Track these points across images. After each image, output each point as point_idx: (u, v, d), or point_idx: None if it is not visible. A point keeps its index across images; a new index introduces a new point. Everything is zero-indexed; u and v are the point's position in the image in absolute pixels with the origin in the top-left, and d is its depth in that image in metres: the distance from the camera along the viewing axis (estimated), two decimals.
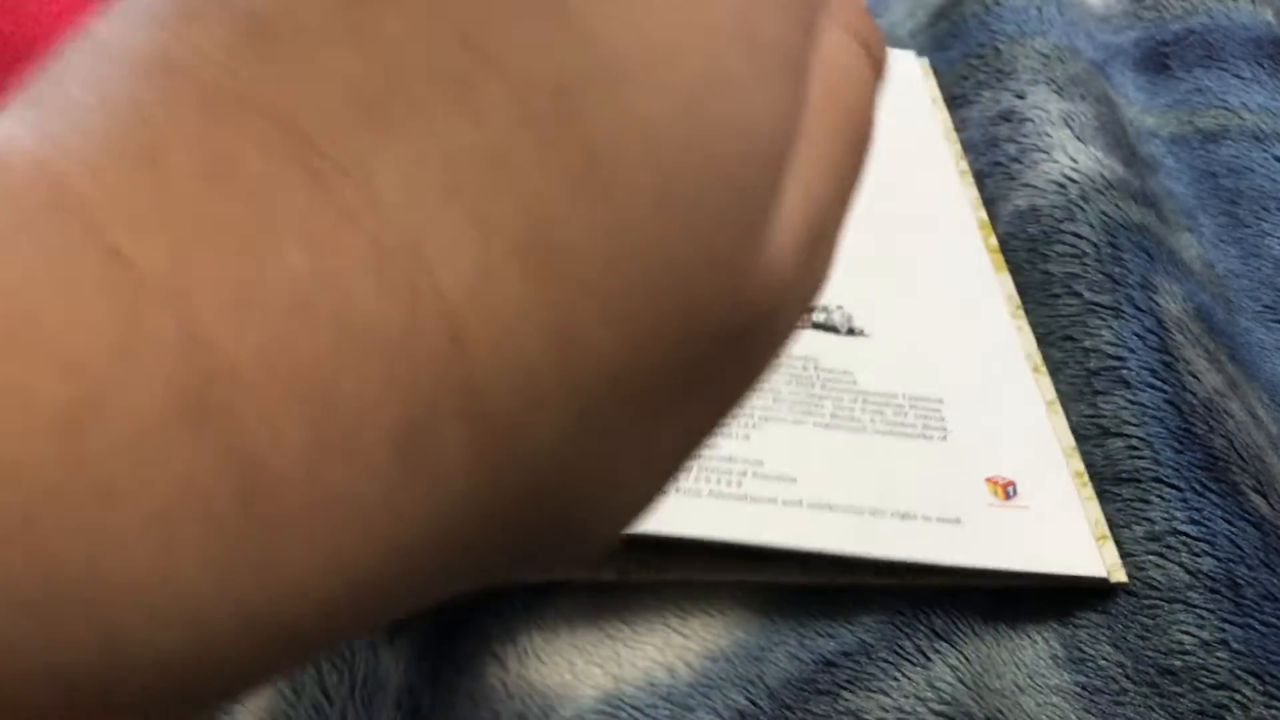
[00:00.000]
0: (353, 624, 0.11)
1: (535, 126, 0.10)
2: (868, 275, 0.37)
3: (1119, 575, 0.30)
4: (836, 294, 0.36)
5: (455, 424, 0.10)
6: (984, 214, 0.41)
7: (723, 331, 0.12)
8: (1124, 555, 0.31)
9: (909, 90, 0.46)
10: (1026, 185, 0.40)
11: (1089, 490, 0.32)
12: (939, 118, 0.45)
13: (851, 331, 0.35)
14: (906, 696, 0.28)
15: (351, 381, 0.09)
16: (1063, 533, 0.31)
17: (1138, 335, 0.35)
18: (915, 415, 0.33)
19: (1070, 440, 0.33)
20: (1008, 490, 0.31)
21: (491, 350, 0.10)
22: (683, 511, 0.29)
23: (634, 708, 0.27)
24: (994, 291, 0.37)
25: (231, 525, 0.09)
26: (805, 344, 0.34)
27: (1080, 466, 0.33)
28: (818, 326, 0.35)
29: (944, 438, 0.32)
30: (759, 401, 0.32)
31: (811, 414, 0.32)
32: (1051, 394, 0.35)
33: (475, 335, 0.10)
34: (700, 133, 0.11)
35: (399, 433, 0.10)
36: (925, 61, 0.48)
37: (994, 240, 0.40)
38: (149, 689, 0.09)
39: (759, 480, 0.30)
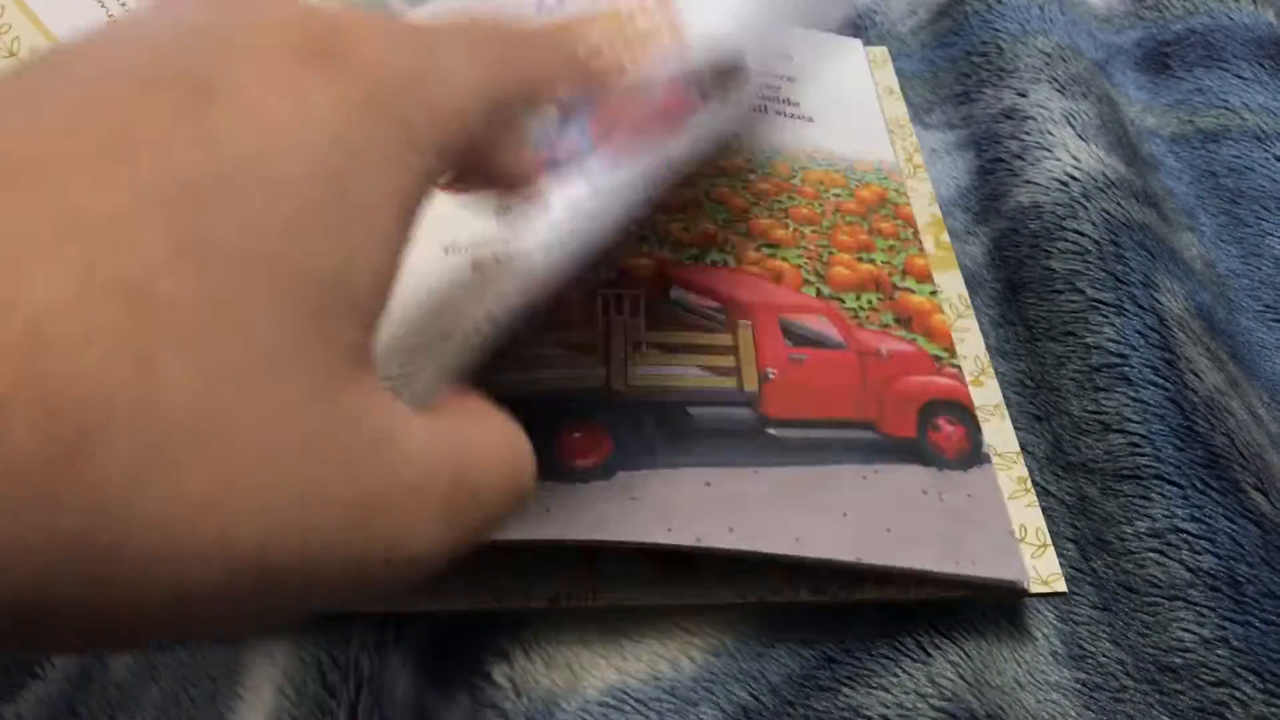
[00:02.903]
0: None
1: (158, 207, 0.13)
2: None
3: (1057, 585, 0.30)
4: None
5: (24, 412, 0.12)
6: (936, 210, 0.40)
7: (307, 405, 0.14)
8: (1126, 552, 0.31)
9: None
10: (1029, 182, 0.40)
11: (1031, 497, 0.32)
12: (896, 109, 0.44)
13: None
14: (907, 692, 0.28)
15: None
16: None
17: (1139, 333, 0.35)
18: None
19: (1015, 445, 0.33)
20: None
21: (67, 355, 0.12)
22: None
23: (638, 701, 0.27)
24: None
25: None
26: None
27: (1024, 472, 0.32)
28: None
29: None
30: None
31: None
32: (998, 398, 0.34)
33: (54, 339, 0.12)
34: (296, 236, 0.14)
35: None
36: (882, 50, 0.47)
37: (945, 237, 0.39)
38: None
39: None
